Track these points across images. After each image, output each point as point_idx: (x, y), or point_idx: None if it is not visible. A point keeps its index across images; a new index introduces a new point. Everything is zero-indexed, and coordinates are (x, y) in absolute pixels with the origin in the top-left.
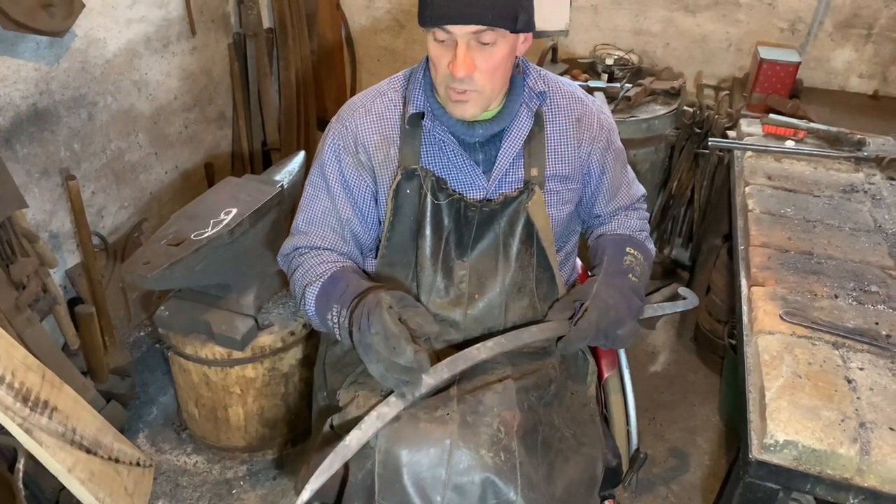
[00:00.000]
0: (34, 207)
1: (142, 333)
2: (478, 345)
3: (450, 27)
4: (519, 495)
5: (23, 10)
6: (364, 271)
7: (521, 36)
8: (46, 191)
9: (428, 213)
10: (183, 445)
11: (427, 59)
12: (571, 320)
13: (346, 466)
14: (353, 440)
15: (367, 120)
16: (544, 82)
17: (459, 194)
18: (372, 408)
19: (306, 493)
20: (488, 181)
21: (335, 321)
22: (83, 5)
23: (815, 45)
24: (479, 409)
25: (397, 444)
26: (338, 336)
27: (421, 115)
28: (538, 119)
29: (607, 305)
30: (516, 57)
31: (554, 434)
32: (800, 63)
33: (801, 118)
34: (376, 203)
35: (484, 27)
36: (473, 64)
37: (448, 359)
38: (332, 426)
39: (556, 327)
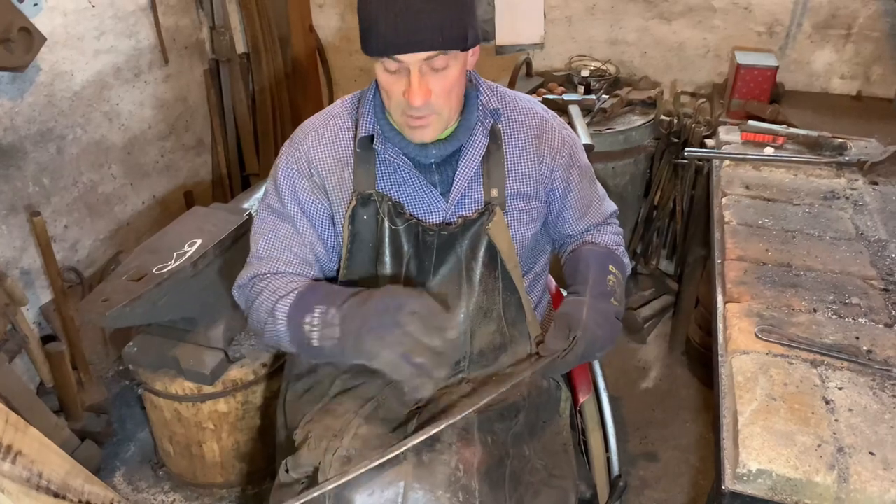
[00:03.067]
0: (3, 245)
1: (120, 369)
2: (463, 404)
3: (400, 56)
4: None
5: None
6: None
7: (471, 50)
8: (15, 227)
9: (386, 239)
10: (160, 483)
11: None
12: (559, 352)
13: None
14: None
15: (321, 143)
16: (498, 98)
17: (417, 219)
18: (325, 448)
19: None
20: (447, 203)
21: (315, 323)
22: (44, 39)
23: (794, 48)
24: (437, 446)
25: (349, 488)
26: (313, 341)
27: (372, 139)
28: (494, 136)
29: (595, 336)
30: (468, 72)
31: (524, 466)
32: (778, 67)
33: (781, 123)
34: (334, 226)
35: (436, 52)
36: (429, 90)
37: (438, 420)
38: (287, 470)
39: (539, 363)
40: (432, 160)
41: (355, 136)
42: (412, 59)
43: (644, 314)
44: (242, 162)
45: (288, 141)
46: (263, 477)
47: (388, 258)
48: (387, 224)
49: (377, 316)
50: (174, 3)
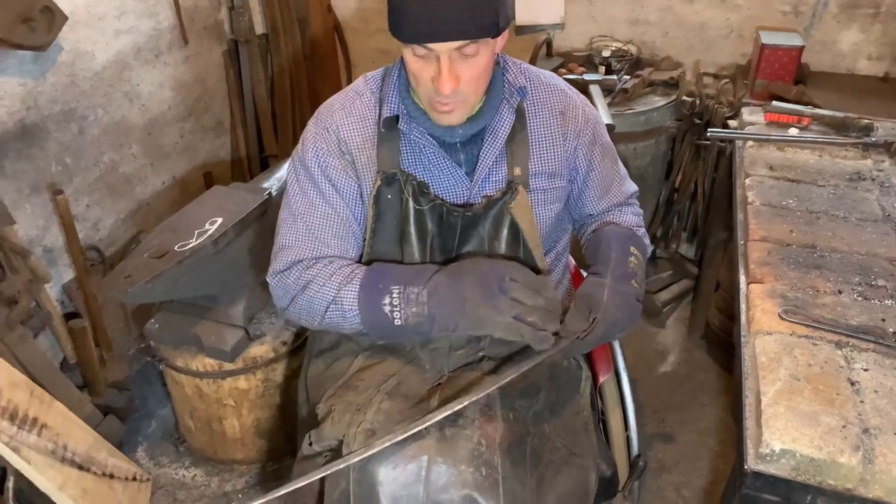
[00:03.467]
0: (26, 223)
1: (142, 346)
2: (486, 383)
3: (431, 44)
4: None
5: (2, 25)
6: None
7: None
8: (38, 206)
9: (411, 219)
10: (181, 459)
11: (403, 59)
12: (579, 333)
13: (322, 485)
14: (331, 469)
15: (349, 121)
16: (525, 77)
17: (441, 199)
18: (348, 422)
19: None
20: (471, 182)
21: (396, 303)
22: (66, 18)
23: (819, 28)
24: (459, 421)
25: (373, 461)
26: (396, 320)
27: (396, 119)
28: (520, 115)
29: (615, 318)
30: (496, 55)
31: (545, 445)
32: (803, 47)
33: (806, 104)
34: (364, 204)
35: (467, 41)
36: (458, 78)
37: (462, 397)
38: (310, 443)
39: (559, 344)
40: (457, 139)
41: (380, 115)
42: (443, 48)
43: (663, 298)
44: (261, 143)
45: (312, 120)
46: (283, 454)
47: (413, 237)
48: (411, 204)
49: (481, 287)
50: None
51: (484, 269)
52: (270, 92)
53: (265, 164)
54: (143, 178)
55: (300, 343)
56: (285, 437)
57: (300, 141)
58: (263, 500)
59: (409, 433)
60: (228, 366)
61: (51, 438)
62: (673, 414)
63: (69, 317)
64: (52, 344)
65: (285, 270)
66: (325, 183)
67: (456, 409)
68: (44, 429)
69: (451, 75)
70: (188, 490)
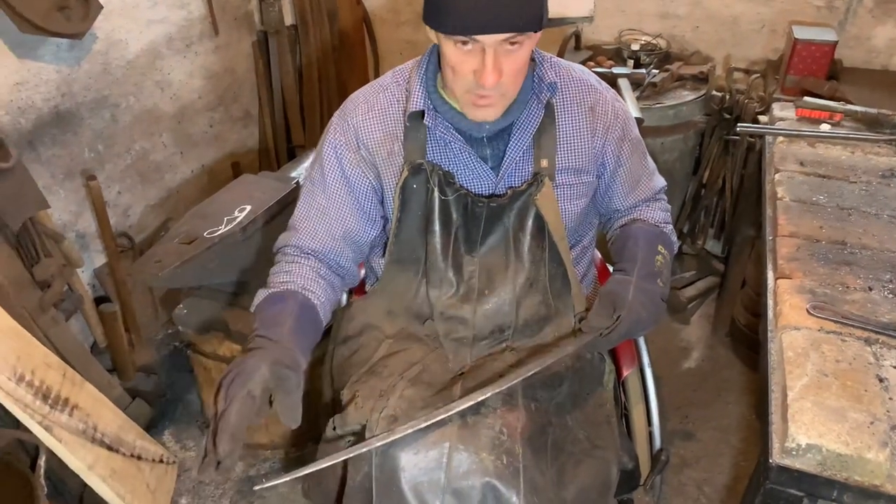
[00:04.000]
0: (60, 208)
1: (169, 332)
2: (510, 375)
3: (478, 36)
4: (521, 501)
5: (39, 12)
6: (350, 286)
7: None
8: (71, 192)
9: (436, 209)
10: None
11: (432, 51)
12: (602, 330)
13: (345, 468)
14: (354, 452)
15: (370, 116)
16: (555, 71)
17: (466, 189)
18: (371, 408)
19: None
20: (497, 176)
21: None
22: (101, 7)
23: (854, 23)
24: (481, 409)
25: (395, 447)
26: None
27: (422, 113)
28: (549, 110)
29: (639, 317)
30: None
31: (566, 436)
32: (837, 42)
33: (838, 100)
34: (381, 200)
35: (515, 33)
36: (501, 71)
37: (485, 388)
38: (334, 427)
39: (582, 339)
40: (484, 134)
41: (406, 109)
42: (490, 40)
43: (688, 294)
44: (289, 133)
45: (338, 112)
46: (306, 440)
47: (437, 227)
48: (437, 194)
49: (226, 380)
50: None
51: (236, 373)
52: (299, 83)
53: (292, 154)
54: (173, 167)
55: (325, 331)
56: (308, 424)
57: (325, 130)
58: (287, 478)
59: (432, 421)
60: None
61: (81, 419)
62: (696, 411)
63: (99, 301)
64: (83, 328)
65: (279, 248)
66: (333, 175)
67: (479, 399)
68: (75, 409)
69: (495, 68)
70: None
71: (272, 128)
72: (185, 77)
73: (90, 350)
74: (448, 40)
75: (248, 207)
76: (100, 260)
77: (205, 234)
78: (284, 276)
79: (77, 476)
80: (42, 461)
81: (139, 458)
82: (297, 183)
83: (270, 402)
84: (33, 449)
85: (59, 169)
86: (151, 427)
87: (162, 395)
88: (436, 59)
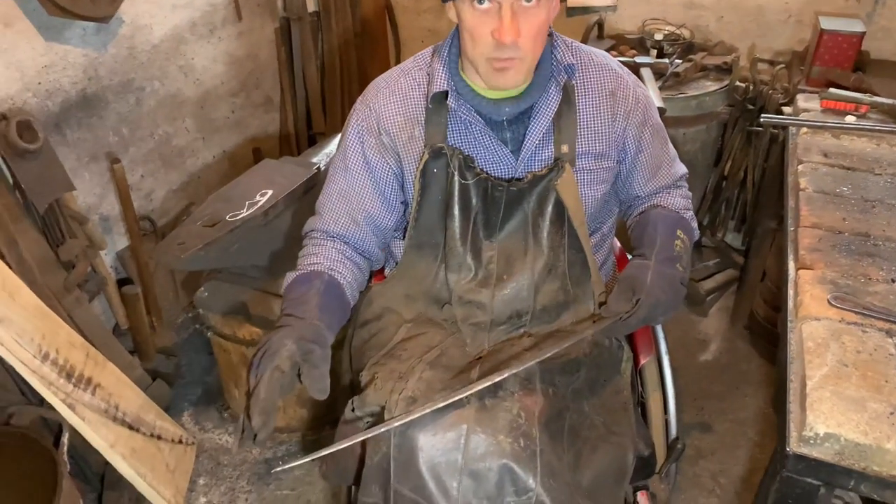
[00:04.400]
0: (84, 191)
1: (189, 315)
2: (527, 356)
3: None
4: (538, 483)
5: None
6: (372, 267)
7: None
8: (96, 175)
9: (456, 193)
10: (225, 425)
11: (454, 35)
12: (621, 314)
13: (363, 448)
14: (373, 432)
15: (392, 101)
16: (573, 54)
17: (486, 174)
18: (391, 390)
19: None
20: (517, 160)
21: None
22: None
23: (883, 14)
24: (499, 392)
25: (413, 428)
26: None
27: (445, 94)
28: (567, 93)
29: (658, 301)
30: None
31: (583, 422)
32: (864, 33)
33: (864, 92)
34: (401, 185)
35: None
36: (519, 30)
37: (503, 369)
38: (353, 408)
39: (601, 324)
40: (504, 117)
41: (427, 92)
42: None
43: (707, 287)
44: (310, 120)
45: (360, 97)
46: (322, 423)
47: (456, 211)
48: (457, 178)
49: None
50: None
51: (264, 350)
52: (321, 70)
53: (313, 140)
54: (195, 151)
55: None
56: (325, 407)
57: (348, 116)
58: (306, 459)
59: (450, 401)
60: None
61: (104, 398)
62: (712, 402)
63: (121, 284)
64: (105, 309)
65: (306, 232)
66: (356, 160)
67: (496, 380)
68: (98, 388)
69: (513, 25)
70: (231, 455)
71: (293, 114)
72: (208, 62)
73: (112, 331)
74: (466, 5)
75: (270, 192)
76: (122, 243)
77: (227, 217)
78: (311, 259)
79: (98, 454)
80: (65, 438)
81: (159, 437)
82: (319, 168)
83: (299, 377)
84: (56, 426)
85: (84, 152)
86: (170, 408)
87: (181, 377)
88: (458, 43)
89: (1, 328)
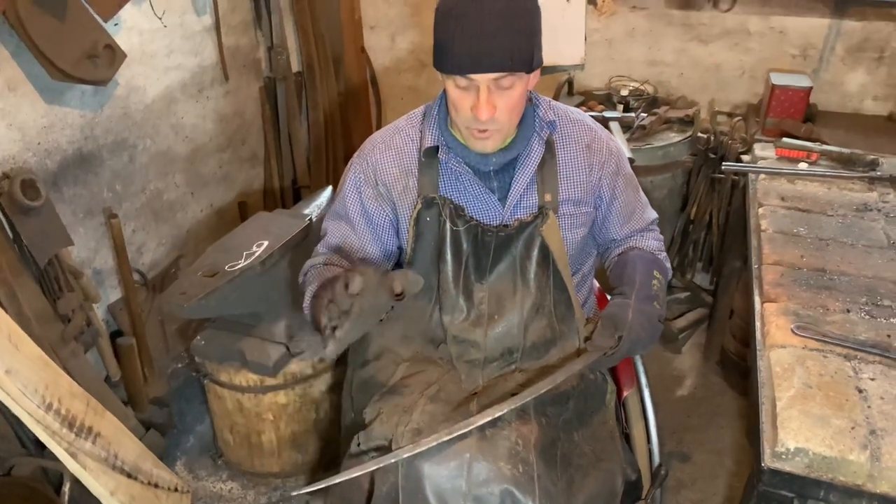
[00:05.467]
0: (79, 245)
1: (179, 365)
2: (524, 392)
3: (472, 75)
4: None
5: (69, 61)
6: None
7: (533, 72)
8: (90, 230)
9: (448, 239)
10: (219, 472)
11: (443, 95)
12: (606, 350)
13: (371, 482)
14: (383, 462)
15: (387, 155)
16: (554, 112)
17: (476, 220)
18: (396, 423)
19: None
20: (503, 208)
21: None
22: (125, 56)
23: (827, 70)
24: (498, 423)
25: (419, 458)
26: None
27: (436, 149)
28: (549, 146)
29: (638, 337)
30: (528, 92)
31: (573, 450)
32: (811, 88)
33: (815, 141)
34: (396, 232)
35: (505, 73)
36: (494, 106)
37: (500, 404)
38: (358, 444)
39: (588, 358)
40: (491, 168)
41: (420, 147)
42: (483, 79)
43: (679, 325)
44: (295, 174)
45: (357, 153)
46: (316, 467)
47: (449, 256)
48: (448, 225)
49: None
50: (235, 23)
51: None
52: (307, 126)
53: (297, 194)
54: (184, 206)
55: (335, 360)
56: (319, 451)
57: (347, 167)
58: (319, 485)
59: (454, 435)
60: (269, 381)
61: (103, 446)
62: (690, 434)
63: (113, 336)
64: (97, 361)
65: (304, 272)
66: (355, 208)
67: (496, 415)
68: (98, 437)
69: (489, 104)
70: (225, 502)
71: (278, 169)
72: (197, 120)
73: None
74: (449, 79)
75: (266, 242)
76: (114, 295)
77: (226, 267)
78: (321, 269)
79: (98, 502)
80: (66, 488)
81: (156, 486)
82: (311, 219)
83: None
84: (55, 476)
85: (80, 207)
86: (164, 457)
87: (173, 427)
88: (445, 102)
89: (7, 379)
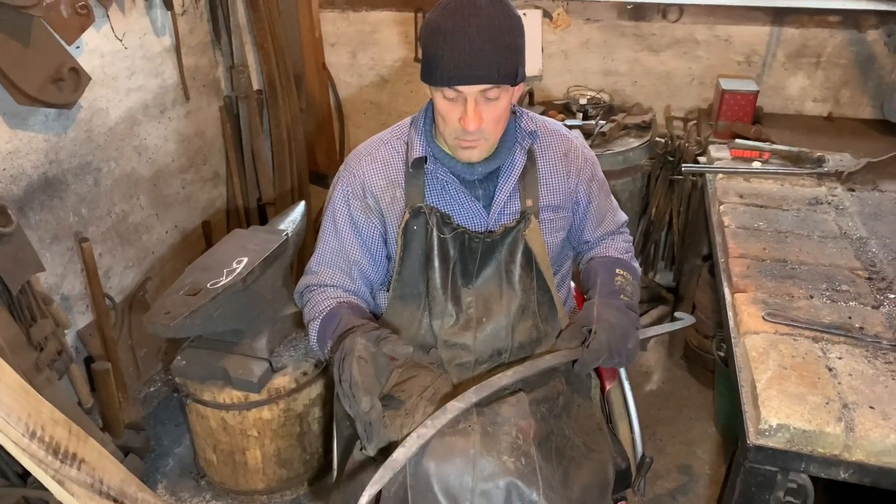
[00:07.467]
0: (47, 271)
1: (151, 389)
2: (499, 374)
3: (460, 87)
4: (541, 496)
5: (35, 85)
6: (372, 313)
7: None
8: (58, 255)
9: (435, 247)
10: (202, 493)
11: (427, 108)
12: (583, 345)
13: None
14: (400, 455)
15: (374, 167)
16: (534, 123)
17: (463, 228)
18: (401, 425)
19: (364, 499)
20: (488, 214)
21: (329, 356)
22: (90, 78)
23: (770, 75)
24: (497, 419)
25: (426, 458)
26: (312, 344)
27: (424, 159)
28: (530, 156)
29: (612, 324)
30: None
31: (566, 443)
32: (758, 91)
33: (764, 141)
34: (385, 242)
35: (491, 85)
36: (481, 117)
37: (475, 386)
38: (361, 448)
39: (569, 353)
40: (476, 177)
41: (407, 158)
42: (470, 91)
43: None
44: (259, 192)
45: (342, 167)
46: (301, 482)
47: (436, 263)
48: (435, 233)
49: (337, 373)
50: (195, 44)
51: (340, 356)
52: (269, 143)
53: (262, 210)
54: (149, 228)
55: (318, 373)
56: (304, 466)
57: (333, 182)
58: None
59: (456, 413)
60: (253, 397)
61: (89, 472)
62: (662, 427)
63: (83, 362)
64: (68, 388)
65: (301, 292)
66: (343, 222)
67: (494, 388)
68: (82, 463)
69: (476, 115)
70: None
71: (241, 187)
72: (160, 141)
73: None
74: (438, 92)
75: (246, 259)
76: (82, 321)
77: (208, 285)
78: (323, 304)
79: None
80: None
81: None
82: (287, 235)
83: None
84: None
85: (46, 233)
86: (145, 482)
87: (151, 451)
88: (431, 114)
89: None
